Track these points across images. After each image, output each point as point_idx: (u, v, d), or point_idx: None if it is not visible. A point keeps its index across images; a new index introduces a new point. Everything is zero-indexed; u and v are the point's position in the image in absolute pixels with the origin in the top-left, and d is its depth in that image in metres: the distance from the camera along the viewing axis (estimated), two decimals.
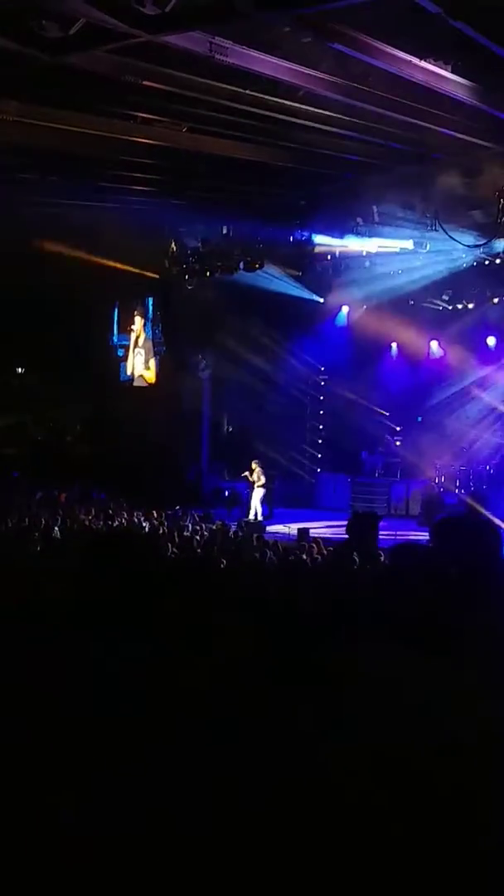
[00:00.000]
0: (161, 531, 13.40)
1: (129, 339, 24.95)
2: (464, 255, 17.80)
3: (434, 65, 10.66)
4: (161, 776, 1.43)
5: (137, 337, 24.56)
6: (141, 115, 12.95)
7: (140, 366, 24.49)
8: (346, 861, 1.33)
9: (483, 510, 16.16)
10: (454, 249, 17.86)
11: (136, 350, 24.58)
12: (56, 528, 12.39)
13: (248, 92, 11.70)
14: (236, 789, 1.41)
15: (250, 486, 20.43)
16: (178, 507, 18.65)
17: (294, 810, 1.40)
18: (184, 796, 1.39)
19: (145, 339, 24.46)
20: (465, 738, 1.51)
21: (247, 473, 20.18)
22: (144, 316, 24.53)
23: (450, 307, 20.48)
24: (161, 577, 2.20)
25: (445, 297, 20.28)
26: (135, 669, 1.65)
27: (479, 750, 1.50)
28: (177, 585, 3.38)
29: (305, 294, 21.73)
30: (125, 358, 25.14)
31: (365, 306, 21.25)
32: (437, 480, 20.96)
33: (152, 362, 24.43)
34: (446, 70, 10.82)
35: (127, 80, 10.97)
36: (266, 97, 11.92)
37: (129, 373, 24.78)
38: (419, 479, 21.24)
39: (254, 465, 20.37)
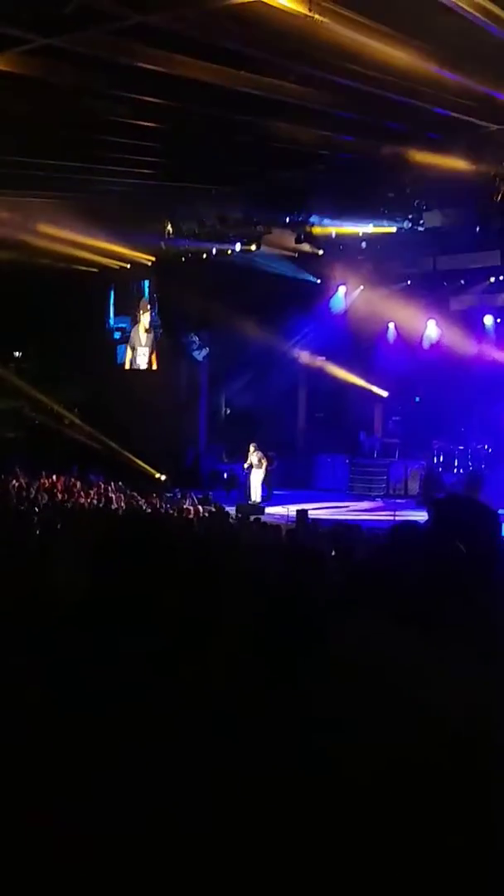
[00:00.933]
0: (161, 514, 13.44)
1: (126, 322, 24.88)
2: (460, 235, 17.75)
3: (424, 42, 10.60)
4: (161, 773, 1.44)
5: (139, 320, 24.51)
6: (136, 97, 12.86)
7: (142, 349, 24.46)
8: (349, 856, 1.33)
9: (479, 490, 16.19)
10: (450, 229, 17.82)
11: (138, 334, 24.53)
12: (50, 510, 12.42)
13: (242, 73, 11.62)
14: (237, 785, 1.42)
15: (249, 468, 20.48)
16: (176, 490, 18.69)
17: (295, 805, 1.40)
18: (184, 794, 1.40)
19: (148, 323, 24.41)
20: (467, 726, 1.51)
21: (249, 454, 20.24)
22: (144, 298, 24.48)
23: (447, 286, 20.46)
24: (165, 565, 2.20)
25: (443, 281, 20.28)
26: (136, 663, 1.66)
27: (480, 736, 1.49)
28: (179, 574, 3.39)
29: (302, 275, 21.68)
30: (122, 341, 25.09)
31: (361, 287, 21.20)
32: (435, 460, 20.99)
33: (152, 345, 24.41)
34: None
35: (121, 62, 10.90)
36: (262, 78, 11.85)
37: (129, 356, 24.74)
38: (417, 459, 21.27)
39: (251, 449, 20.42)
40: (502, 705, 1.61)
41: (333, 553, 6.98)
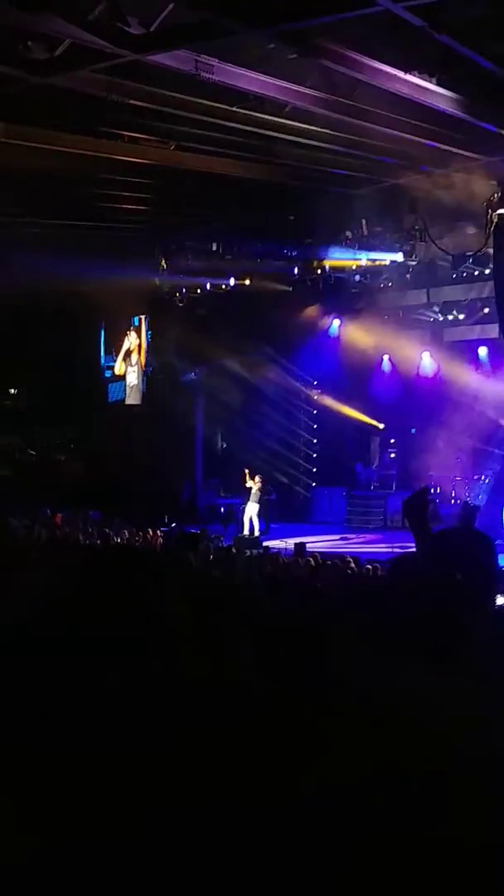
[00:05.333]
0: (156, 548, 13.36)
1: (114, 360, 24.84)
2: (453, 267, 17.84)
3: (419, 77, 10.71)
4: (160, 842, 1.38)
5: (130, 355, 24.51)
6: (128, 133, 12.97)
7: (133, 385, 24.45)
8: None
9: (474, 521, 16.13)
10: (443, 260, 17.92)
11: (129, 369, 24.52)
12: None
13: (234, 109, 11.74)
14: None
15: (246, 497, 20.33)
16: (173, 525, 18.62)
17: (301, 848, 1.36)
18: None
19: (138, 358, 24.42)
20: (472, 753, 1.48)
21: (249, 482, 20.11)
22: (136, 334, 24.48)
23: (441, 318, 20.53)
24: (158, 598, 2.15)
25: (436, 309, 20.34)
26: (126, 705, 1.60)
27: (487, 764, 1.47)
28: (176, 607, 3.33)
29: (296, 308, 21.75)
30: (112, 379, 25.08)
31: (356, 319, 21.27)
32: (432, 492, 20.94)
33: (143, 381, 24.40)
34: (431, 83, 10.88)
35: (113, 100, 10.99)
36: (252, 114, 11.96)
37: (123, 392, 24.72)
38: (414, 490, 21.19)
39: (251, 480, 20.33)
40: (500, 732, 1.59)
41: (333, 585, 6.94)
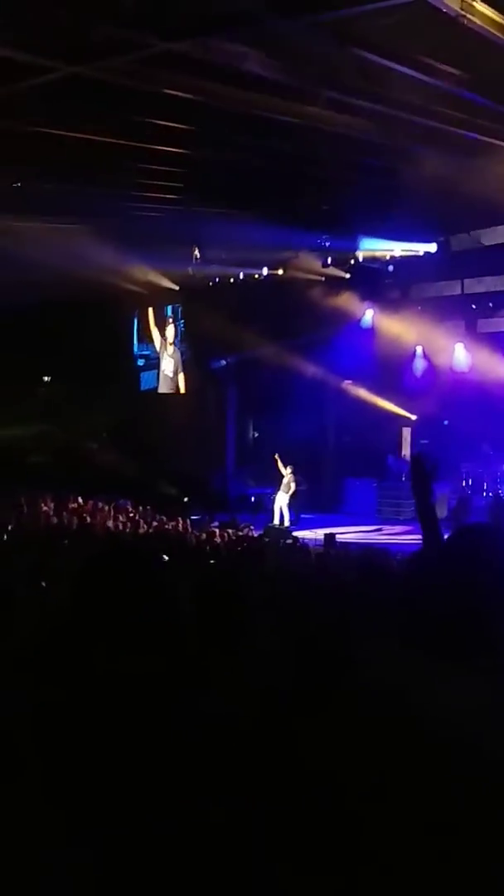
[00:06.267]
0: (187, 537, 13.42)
1: (150, 349, 24.98)
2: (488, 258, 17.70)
3: (453, 68, 10.59)
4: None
5: (166, 344, 24.61)
6: (163, 123, 12.96)
7: (169, 373, 24.54)
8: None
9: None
10: (480, 251, 17.77)
11: (166, 358, 24.62)
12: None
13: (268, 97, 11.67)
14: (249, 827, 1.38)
15: (276, 486, 20.40)
16: (203, 514, 18.67)
17: (312, 840, 1.37)
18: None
19: (174, 348, 24.51)
20: (491, 755, 1.48)
21: (280, 467, 20.23)
22: (171, 323, 24.58)
23: (475, 308, 20.37)
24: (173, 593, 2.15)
25: (470, 300, 20.20)
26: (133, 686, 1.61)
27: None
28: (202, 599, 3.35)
29: (329, 298, 21.67)
30: (146, 367, 25.18)
31: (389, 310, 21.17)
32: (463, 483, 20.82)
33: (180, 369, 24.50)
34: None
35: (146, 90, 10.99)
36: (288, 103, 11.89)
37: (157, 381, 24.82)
38: (446, 482, 21.09)
39: (284, 470, 20.40)
40: None
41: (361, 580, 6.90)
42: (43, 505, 16.46)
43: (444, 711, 1.63)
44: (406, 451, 23.05)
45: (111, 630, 1.69)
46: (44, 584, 5.94)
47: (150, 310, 24.64)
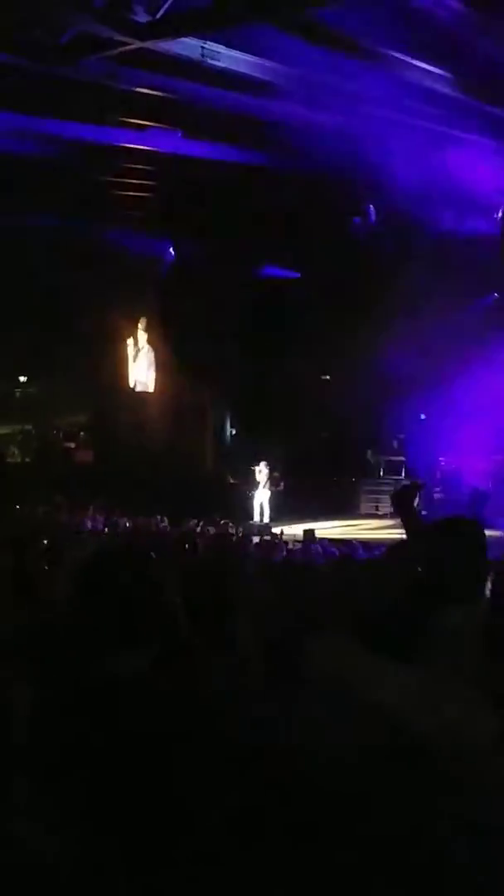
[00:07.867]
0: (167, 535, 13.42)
1: (129, 347, 24.88)
2: None
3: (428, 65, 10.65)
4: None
5: (140, 343, 24.52)
6: (135, 121, 12.97)
7: (143, 372, 24.46)
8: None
9: (484, 506, 16.15)
10: None
11: (139, 356, 24.53)
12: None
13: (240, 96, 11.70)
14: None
15: (255, 486, 20.46)
16: (183, 511, 18.64)
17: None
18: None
19: (148, 347, 24.42)
20: (431, 743, 1.49)
21: (256, 474, 20.28)
22: (147, 322, 24.45)
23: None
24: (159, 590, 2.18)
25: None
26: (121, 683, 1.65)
27: (444, 755, 1.48)
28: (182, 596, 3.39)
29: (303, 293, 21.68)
30: (126, 365, 25.09)
31: None
32: (439, 477, 20.90)
33: (153, 368, 24.41)
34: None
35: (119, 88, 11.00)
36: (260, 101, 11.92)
37: (132, 380, 24.72)
38: (424, 476, 21.15)
39: (259, 468, 20.44)
40: (465, 722, 1.62)
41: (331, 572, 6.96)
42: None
43: (382, 702, 1.64)
44: (384, 445, 23.05)
45: (111, 626, 1.75)
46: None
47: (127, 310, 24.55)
